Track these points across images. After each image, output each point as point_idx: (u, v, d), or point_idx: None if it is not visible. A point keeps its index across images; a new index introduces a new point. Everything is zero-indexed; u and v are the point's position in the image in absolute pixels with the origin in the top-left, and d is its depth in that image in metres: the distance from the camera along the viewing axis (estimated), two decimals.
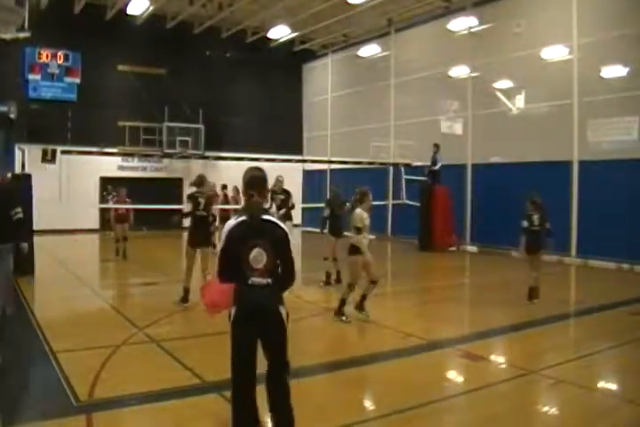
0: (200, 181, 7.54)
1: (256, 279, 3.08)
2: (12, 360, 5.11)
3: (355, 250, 6.54)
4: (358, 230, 6.50)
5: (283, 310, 3.12)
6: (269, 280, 3.10)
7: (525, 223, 7.73)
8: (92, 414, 3.81)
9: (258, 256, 3.08)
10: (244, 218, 3.17)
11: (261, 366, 3.16)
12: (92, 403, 4.03)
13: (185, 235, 18.45)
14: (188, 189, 18.89)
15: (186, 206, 7.37)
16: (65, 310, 7.38)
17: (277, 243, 3.13)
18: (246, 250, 3.09)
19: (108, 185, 16.84)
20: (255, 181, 3.28)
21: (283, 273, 3.17)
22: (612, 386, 4.88)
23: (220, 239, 10.16)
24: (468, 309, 8.18)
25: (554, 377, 4.70)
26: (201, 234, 7.38)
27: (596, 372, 5.16)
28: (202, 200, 7.31)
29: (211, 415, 3.90)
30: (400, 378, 4.88)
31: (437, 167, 14.50)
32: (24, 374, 4.80)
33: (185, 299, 7.27)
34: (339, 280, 9.15)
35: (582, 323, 7.18)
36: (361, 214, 6.53)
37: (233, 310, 3.11)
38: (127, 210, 11.87)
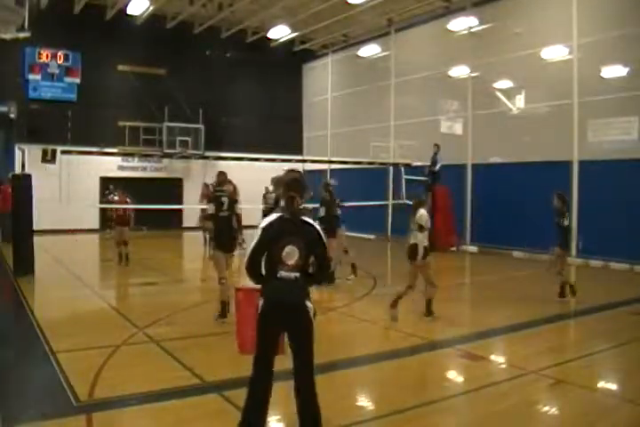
0: (222, 180, 7.13)
1: (284, 273, 3.22)
2: (12, 360, 5.12)
3: (417, 251, 6.67)
4: (421, 228, 6.68)
5: (309, 304, 3.23)
6: (297, 275, 3.23)
7: (566, 222, 7.93)
8: (91, 414, 3.81)
9: (291, 253, 3.22)
10: (281, 216, 3.31)
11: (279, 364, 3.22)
12: (91, 403, 4.03)
13: (185, 235, 18.48)
14: (186, 190, 19.13)
15: (209, 208, 6.91)
16: (65, 310, 7.37)
17: (312, 242, 3.28)
18: (279, 247, 3.22)
19: (110, 185, 16.83)
20: (295, 183, 3.45)
21: (318, 270, 3.33)
22: (612, 386, 4.88)
23: (243, 242, 9.89)
24: (468, 309, 8.20)
25: (554, 377, 4.70)
26: (226, 238, 6.83)
27: (596, 372, 5.16)
28: (225, 200, 6.84)
29: (210, 415, 3.90)
30: (400, 378, 4.89)
31: (437, 168, 14.48)
32: (24, 374, 4.79)
33: (223, 313, 6.54)
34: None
35: (582, 323, 7.18)
36: (427, 215, 6.77)
37: (260, 303, 3.23)
38: (125, 211, 11.79)
